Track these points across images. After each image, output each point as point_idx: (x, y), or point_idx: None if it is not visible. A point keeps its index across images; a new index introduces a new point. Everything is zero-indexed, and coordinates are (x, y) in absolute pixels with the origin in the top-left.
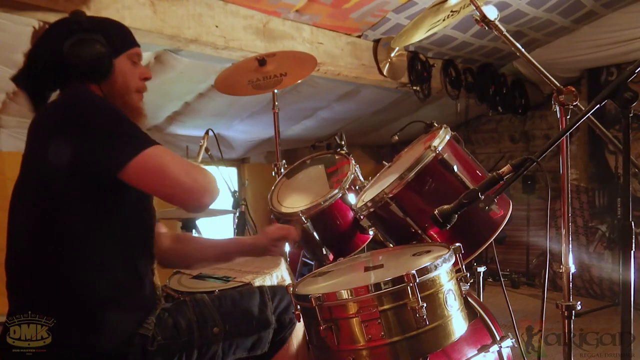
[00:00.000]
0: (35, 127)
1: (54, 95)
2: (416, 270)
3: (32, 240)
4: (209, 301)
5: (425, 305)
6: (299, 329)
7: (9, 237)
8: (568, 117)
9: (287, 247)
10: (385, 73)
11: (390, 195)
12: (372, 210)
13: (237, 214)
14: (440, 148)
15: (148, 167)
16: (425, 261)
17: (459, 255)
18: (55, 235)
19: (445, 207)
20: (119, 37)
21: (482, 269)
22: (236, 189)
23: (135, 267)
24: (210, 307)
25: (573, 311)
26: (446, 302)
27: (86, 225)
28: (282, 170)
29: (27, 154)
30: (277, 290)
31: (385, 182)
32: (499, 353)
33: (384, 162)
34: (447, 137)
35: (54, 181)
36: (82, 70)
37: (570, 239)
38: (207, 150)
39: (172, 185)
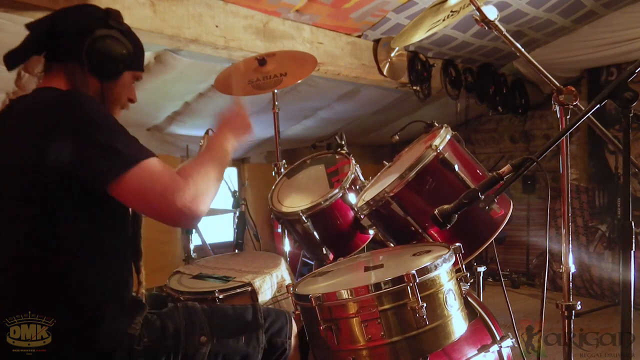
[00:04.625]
0: (22, 120)
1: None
2: (416, 270)
3: (26, 241)
4: (200, 310)
5: (425, 305)
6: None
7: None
8: (568, 117)
9: (287, 248)
10: (385, 73)
11: (391, 194)
12: (373, 209)
13: (237, 213)
14: (441, 147)
15: (131, 189)
16: (425, 261)
17: (459, 255)
18: (49, 235)
19: (446, 206)
20: (138, 54)
21: (482, 269)
22: (236, 188)
23: (126, 267)
24: (201, 316)
25: (573, 311)
26: (446, 302)
27: (79, 225)
28: (282, 170)
29: (7, 149)
30: (271, 311)
31: (385, 181)
32: (499, 353)
33: (384, 162)
34: (448, 137)
35: (46, 181)
36: (99, 63)
37: (570, 239)
38: None
39: (154, 209)
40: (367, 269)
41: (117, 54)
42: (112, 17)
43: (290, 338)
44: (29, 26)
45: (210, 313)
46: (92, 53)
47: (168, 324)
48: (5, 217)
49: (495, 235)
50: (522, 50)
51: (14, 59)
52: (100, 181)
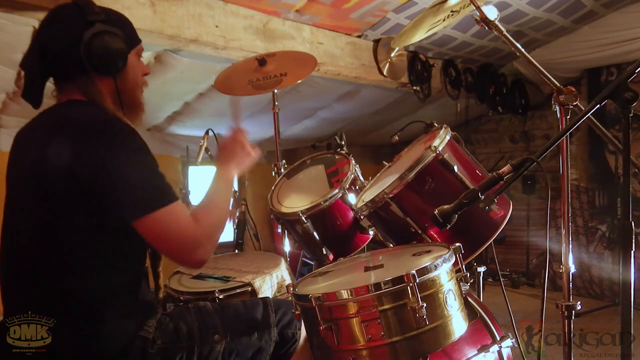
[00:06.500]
0: (48, 134)
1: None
2: (416, 270)
3: (32, 243)
4: (211, 308)
5: (425, 305)
6: (304, 345)
7: (4, 236)
8: (568, 117)
9: (287, 248)
10: (385, 73)
11: (391, 195)
12: (372, 210)
13: (237, 213)
14: (440, 148)
15: (153, 231)
16: (425, 261)
17: (459, 255)
18: (56, 239)
19: (445, 207)
20: (130, 32)
21: (482, 269)
22: (236, 189)
23: (134, 270)
24: (213, 315)
25: (573, 311)
26: (446, 302)
27: (87, 230)
28: (282, 170)
29: (31, 156)
30: (282, 303)
31: (385, 182)
32: (499, 353)
33: (384, 162)
34: (448, 137)
35: (58, 192)
36: (102, 63)
37: (570, 239)
38: (207, 150)
39: (170, 254)
40: (367, 269)
41: (113, 47)
42: (86, 10)
43: (300, 329)
44: (23, 66)
45: (222, 311)
46: (92, 60)
47: (181, 325)
48: (10, 217)
49: (495, 236)
50: (522, 50)
51: (34, 97)
52: (125, 216)
